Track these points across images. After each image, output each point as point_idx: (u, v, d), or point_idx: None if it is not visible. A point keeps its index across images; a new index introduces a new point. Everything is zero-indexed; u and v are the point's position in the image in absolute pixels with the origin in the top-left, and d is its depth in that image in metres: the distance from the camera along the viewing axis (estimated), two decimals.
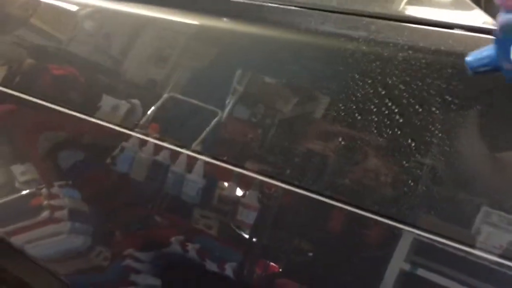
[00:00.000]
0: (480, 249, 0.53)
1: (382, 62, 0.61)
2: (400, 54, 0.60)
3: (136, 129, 0.78)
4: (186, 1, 0.83)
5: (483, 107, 0.56)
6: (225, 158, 0.70)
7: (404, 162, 0.58)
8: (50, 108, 0.87)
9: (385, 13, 0.65)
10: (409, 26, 0.62)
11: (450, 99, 0.57)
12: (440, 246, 0.55)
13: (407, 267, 0.57)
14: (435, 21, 0.61)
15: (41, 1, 0.99)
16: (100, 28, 0.91)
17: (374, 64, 0.61)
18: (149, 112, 0.78)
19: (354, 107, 0.62)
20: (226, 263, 0.69)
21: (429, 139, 0.57)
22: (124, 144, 0.79)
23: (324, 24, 0.68)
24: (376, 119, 0.60)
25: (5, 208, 0.93)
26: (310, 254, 0.64)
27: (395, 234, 0.58)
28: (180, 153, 0.74)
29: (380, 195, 0.59)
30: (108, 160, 0.80)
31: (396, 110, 0.59)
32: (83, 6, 0.93)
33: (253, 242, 0.68)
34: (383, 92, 0.60)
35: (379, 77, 0.61)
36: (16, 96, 0.92)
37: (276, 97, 0.70)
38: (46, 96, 0.89)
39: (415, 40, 0.60)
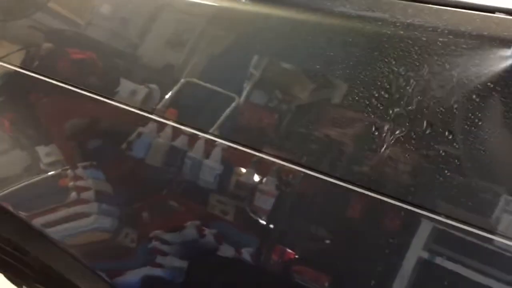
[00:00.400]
0: (501, 235, 0.53)
1: (420, 47, 0.59)
2: (440, 39, 0.58)
3: (154, 113, 0.77)
4: None
5: None
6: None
7: (439, 151, 0.57)
8: (69, 90, 0.87)
9: None
10: (449, 10, 0.61)
11: (491, 85, 0.55)
12: (459, 231, 0.55)
13: (425, 254, 0.57)
14: (476, 4, 0.59)
15: None
16: (117, 12, 0.90)
17: (412, 49, 0.60)
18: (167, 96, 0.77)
19: (388, 93, 0.61)
20: (251, 248, 0.70)
21: (467, 128, 0.56)
22: (143, 127, 0.79)
23: (357, 7, 0.66)
24: (411, 108, 0.59)
25: (28, 190, 0.93)
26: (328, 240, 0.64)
27: (415, 220, 0.57)
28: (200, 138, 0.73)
29: (401, 181, 0.59)
30: (128, 143, 0.80)
31: (432, 98, 0.58)
32: None
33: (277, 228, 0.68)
34: (419, 78, 0.59)
35: (417, 63, 0.59)
36: (37, 78, 0.91)
37: (308, 81, 0.68)
38: (65, 78, 0.88)
39: (455, 24, 0.59)
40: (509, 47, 0.54)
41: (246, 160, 0.70)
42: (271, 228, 0.68)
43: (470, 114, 0.56)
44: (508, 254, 0.53)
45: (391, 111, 0.60)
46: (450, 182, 0.56)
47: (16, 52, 0.97)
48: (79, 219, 0.85)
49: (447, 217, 0.56)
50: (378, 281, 0.60)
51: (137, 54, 0.85)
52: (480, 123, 0.55)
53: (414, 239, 0.58)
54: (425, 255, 0.57)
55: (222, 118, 0.72)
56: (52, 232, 0.87)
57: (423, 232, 0.57)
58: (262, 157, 0.68)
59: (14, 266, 1.08)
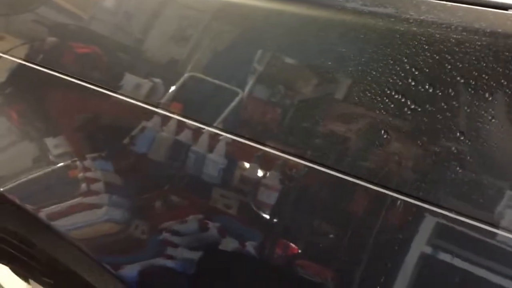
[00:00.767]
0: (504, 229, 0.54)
1: (433, 44, 0.59)
2: (454, 35, 0.58)
3: (159, 107, 0.78)
4: None
5: None
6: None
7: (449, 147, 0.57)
8: (75, 83, 0.87)
9: None
10: (463, 7, 0.60)
11: (505, 83, 0.55)
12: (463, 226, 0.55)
13: (429, 249, 0.58)
14: (490, 1, 0.59)
15: None
16: (121, 6, 0.90)
17: (425, 46, 0.59)
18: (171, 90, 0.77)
19: (398, 89, 0.60)
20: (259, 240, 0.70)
21: (480, 125, 0.56)
22: (148, 121, 0.79)
23: (369, 3, 0.66)
24: (427, 106, 0.59)
25: (35, 183, 0.93)
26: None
27: (419, 214, 0.58)
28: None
29: (406, 175, 0.59)
30: (133, 136, 0.81)
31: (444, 95, 0.58)
32: None
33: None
34: (432, 75, 0.59)
35: (430, 60, 0.59)
36: (43, 72, 0.91)
37: (318, 76, 0.68)
38: (69, 72, 0.88)
39: (469, 21, 0.58)
40: None
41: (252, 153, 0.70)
42: (278, 221, 0.69)
43: (483, 112, 0.56)
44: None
45: (400, 107, 0.60)
46: (458, 177, 0.56)
47: (21, 45, 0.97)
48: (87, 211, 0.85)
49: (455, 212, 0.56)
50: (384, 276, 0.60)
51: (142, 49, 0.85)
52: (492, 120, 0.55)
53: (420, 234, 0.58)
54: (431, 249, 0.58)
55: None
56: (59, 224, 0.87)
57: (429, 227, 0.58)
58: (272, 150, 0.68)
59: (20, 259, 1.08)
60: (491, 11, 0.59)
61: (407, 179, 0.59)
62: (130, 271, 0.80)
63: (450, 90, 0.57)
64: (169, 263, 0.77)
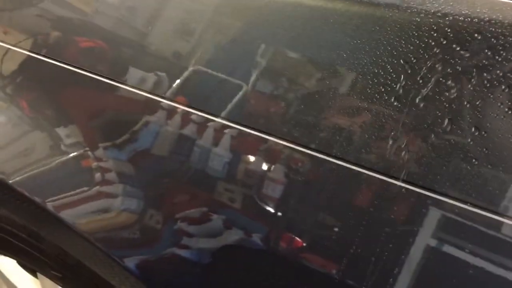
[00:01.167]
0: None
1: (448, 35, 0.59)
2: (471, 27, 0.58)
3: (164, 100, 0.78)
4: None
5: None
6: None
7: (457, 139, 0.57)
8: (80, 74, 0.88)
9: None
10: None
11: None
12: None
13: (434, 242, 0.58)
14: None
15: None
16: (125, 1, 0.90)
17: (441, 38, 0.59)
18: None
19: (409, 81, 0.61)
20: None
21: (496, 116, 0.56)
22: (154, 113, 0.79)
23: None
24: (444, 102, 0.59)
25: (44, 175, 0.93)
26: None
27: (425, 204, 0.58)
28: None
29: (412, 166, 0.59)
30: (138, 129, 0.81)
31: (456, 87, 0.58)
32: None
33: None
34: (443, 68, 0.59)
35: (447, 53, 0.58)
36: (49, 62, 0.91)
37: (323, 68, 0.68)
38: (77, 64, 0.89)
39: (487, 13, 0.58)
40: None
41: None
42: (285, 213, 0.69)
43: (500, 105, 0.56)
44: None
45: (410, 99, 0.60)
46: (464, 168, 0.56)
47: (29, 39, 0.97)
48: (97, 203, 0.85)
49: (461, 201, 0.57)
50: (389, 268, 0.60)
51: (146, 43, 0.85)
52: (506, 113, 0.55)
53: (426, 225, 0.58)
54: (438, 241, 0.58)
55: None
56: (68, 216, 0.88)
57: (433, 217, 0.58)
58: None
59: (28, 253, 1.08)
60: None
61: (414, 169, 0.59)
62: (140, 263, 0.80)
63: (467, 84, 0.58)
64: (181, 255, 0.77)
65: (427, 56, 0.60)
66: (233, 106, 0.73)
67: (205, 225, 0.75)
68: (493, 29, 0.57)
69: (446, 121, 0.58)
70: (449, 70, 0.58)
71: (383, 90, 0.62)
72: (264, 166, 0.70)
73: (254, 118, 0.71)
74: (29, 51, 0.94)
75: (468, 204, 0.56)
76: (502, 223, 0.54)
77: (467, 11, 0.59)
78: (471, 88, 0.57)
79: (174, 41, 0.82)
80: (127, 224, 0.83)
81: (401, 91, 0.61)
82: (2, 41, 0.99)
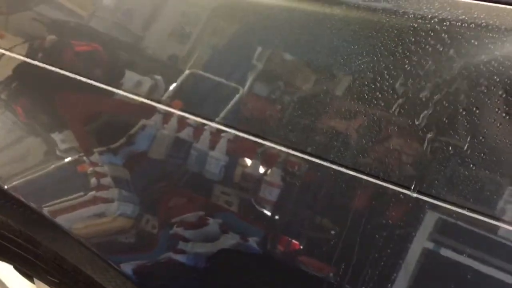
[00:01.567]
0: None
1: (444, 41, 0.59)
2: (468, 33, 0.58)
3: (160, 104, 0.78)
4: None
5: None
6: None
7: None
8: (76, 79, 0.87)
9: None
10: (478, 4, 0.60)
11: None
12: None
13: (430, 245, 0.58)
14: None
15: None
16: (122, 4, 0.90)
17: (437, 44, 0.59)
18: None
19: (401, 85, 0.61)
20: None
21: (481, 119, 0.56)
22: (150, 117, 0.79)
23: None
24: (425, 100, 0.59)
25: (39, 180, 0.93)
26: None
27: (420, 209, 0.58)
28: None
29: (407, 169, 0.59)
30: (134, 133, 0.81)
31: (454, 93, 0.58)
32: None
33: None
34: (443, 75, 0.59)
35: (444, 57, 0.58)
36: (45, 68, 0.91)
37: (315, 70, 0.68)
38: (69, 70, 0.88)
39: (484, 18, 0.58)
40: None
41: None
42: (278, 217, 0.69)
43: (496, 109, 0.55)
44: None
45: (402, 102, 0.60)
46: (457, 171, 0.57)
47: (23, 43, 0.97)
48: (93, 208, 0.85)
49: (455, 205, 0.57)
50: (387, 271, 0.60)
51: (142, 46, 0.85)
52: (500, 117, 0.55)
53: (421, 228, 0.59)
54: (432, 244, 0.58)
55: None
56: (64, 221, 0.87)
57: (430, 221, 0.58)
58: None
59: (24, 258, 1.08)
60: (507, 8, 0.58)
61: (408, 173, 0.59)
62: (136, 268, 0.80)
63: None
64: (177, 259, 0.77)
65: (422, 61, 0.60)
66: (229, 110, 0.73)
67: (202, 229, 0.75)
68: (491, 35, 0.57)
69: (443, 125, 0.58)
70: (443, 75, 0.58)
71: (379, 95, 0.62)
72: (261, 170, 0.70)
73: (249, 122, 0.71)
74: (24, 56, 0.94)
75: (466, 209, 0.56)
76: (498, 227, 0.55)
77: (463, 16, 0.59)
78: (468, 93, 0.57)
79: (170, 44, 0.82)
80: (123, 229, 0.83)
81: (397, 96, 0.61)
82: None
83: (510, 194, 0.54)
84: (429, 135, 0.58)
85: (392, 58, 0.61)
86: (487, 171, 0.55)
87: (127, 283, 0.82)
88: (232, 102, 0.72)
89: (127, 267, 0.80)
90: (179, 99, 0.77)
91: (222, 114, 0.73)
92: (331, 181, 0.64)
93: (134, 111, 0.82)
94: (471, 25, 0.58)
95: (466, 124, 0.56)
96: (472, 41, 0.57)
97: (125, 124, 0.83)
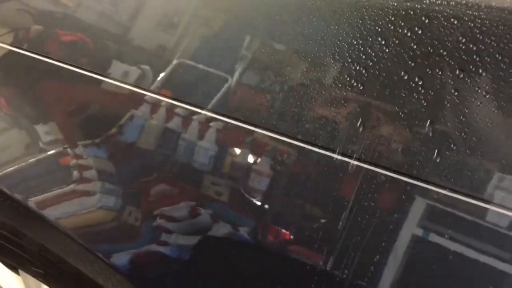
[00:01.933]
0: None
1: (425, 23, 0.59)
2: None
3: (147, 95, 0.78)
4: None
5: None
6: None
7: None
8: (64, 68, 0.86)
9: None
10: None
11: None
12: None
13: (420, 231, 0.59)
14: None
15: None
16: None
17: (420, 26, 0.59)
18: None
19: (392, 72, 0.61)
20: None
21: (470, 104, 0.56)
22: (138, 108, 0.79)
23: None
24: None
25: (24, 171, 0.92)
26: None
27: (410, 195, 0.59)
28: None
29: (398, 154, 0.60)
30: (122, 123, 0.80)
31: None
32: None
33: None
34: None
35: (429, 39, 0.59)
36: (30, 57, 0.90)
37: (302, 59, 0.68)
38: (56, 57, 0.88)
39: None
40: None
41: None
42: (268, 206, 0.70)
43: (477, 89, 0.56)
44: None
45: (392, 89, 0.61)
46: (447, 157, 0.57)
47: (9, 32, 0.96)
48: (80, 199, 0.84)
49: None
50: (379, 257, 0.61)
51: (129, 36, 0.84)
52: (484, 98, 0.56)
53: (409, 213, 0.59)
54: (420, 231, 0.59)
55: None
56: (49, 213, 0.87)
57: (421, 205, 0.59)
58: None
59: (9, 250, 1.07)
60: None
61: (397, 158, 0.60)
62: (123, 259, 0.80)
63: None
64: (163, 250, 0.77)
65: (409, 44, 0.60)
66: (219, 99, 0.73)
67: (192, 220, 0.75)
68: (471, 13, 0.57)
69: (429, 109, 0.58)
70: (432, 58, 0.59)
71: (364, 77, 0.62)
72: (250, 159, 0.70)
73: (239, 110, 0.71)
74: (9, 44, 0.93)
75: (447, 190, 0.57)
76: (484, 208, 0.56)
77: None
78: (454, 74, 0.58)
79: (158, 34, 0.82)
80: (110, 220, 0.82)
81: (382, 78, 0.61)
82: None
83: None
84: (413, 119, 0.59)
85: (379, 39, 0.62)
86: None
87: (116, 276, 0.81)
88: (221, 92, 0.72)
89: (114, 259, 0.80)
90: (167, 89, 0.77)
91: (211, 104, 0.73)
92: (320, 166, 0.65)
93: (121, 102, 0.82)
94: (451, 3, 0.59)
95: (450, 106, 0.57)
96: (452, 20, 0.58)
97: (112, 115, 0.83)
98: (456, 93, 0.57)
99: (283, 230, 0.68)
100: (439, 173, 0.58)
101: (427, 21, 0.59)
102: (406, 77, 0.60)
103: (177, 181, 0.77)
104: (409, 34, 0.60)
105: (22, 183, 0.92)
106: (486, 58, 0.56)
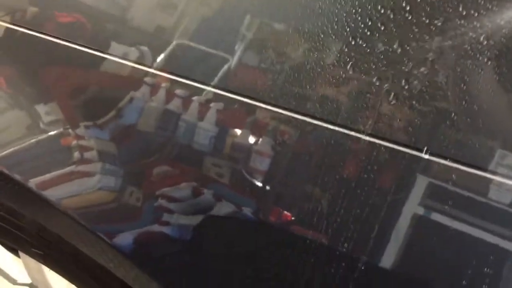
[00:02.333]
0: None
1: None
2: None
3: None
4: None
5: None
6: None
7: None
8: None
9: None
10: None
11: None
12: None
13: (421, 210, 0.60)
14: None
15: None
16: None
17: None
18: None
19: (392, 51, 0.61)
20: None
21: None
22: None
23: None
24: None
25: (25, 152, 0.92)
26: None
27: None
28: None
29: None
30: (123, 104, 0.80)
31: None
32: None
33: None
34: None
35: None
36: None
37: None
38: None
39: None
40: None
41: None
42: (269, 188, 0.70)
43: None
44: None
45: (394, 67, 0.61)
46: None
47: (7, 14, 0.95)
48: (81, 180, 0.84)
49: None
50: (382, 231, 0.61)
51: (128, 17, 0.84)
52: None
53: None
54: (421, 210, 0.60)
55: None
56: (51, 194, 0.87)
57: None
58: None
59: (8, 231, 1.07)
60: None
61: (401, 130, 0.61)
62: (125, 239, 0.80)
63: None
64: (165, 230, 0.77)
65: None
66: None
67: (195, 199, 0.76)
68: None
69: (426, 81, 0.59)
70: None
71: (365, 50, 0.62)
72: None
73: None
74: (9, 22, 0.92)
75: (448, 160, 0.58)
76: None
77: None
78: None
79: (157, 14, 0.81)
80: (113, 200, 0.83)
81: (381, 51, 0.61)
82: None
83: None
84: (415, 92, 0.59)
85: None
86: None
87: (118, 257, 0.82)
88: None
89: (118, 240, 0.81)
90: (167, 70, 0.77)
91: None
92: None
93: (121, 83, 0.82)
94: None
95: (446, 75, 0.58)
96: None
97: (112, 97, 0.83)
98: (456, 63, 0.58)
99: (285, 209, 0.69)
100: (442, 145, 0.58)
101: None
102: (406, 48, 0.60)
103: (179, 161, 0.77)
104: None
105: (22, 163, 0.92)
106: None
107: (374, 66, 0.62)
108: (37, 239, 1.02)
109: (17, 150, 0.92)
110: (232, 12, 0.74)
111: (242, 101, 0.70)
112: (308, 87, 0.66)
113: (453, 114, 0.58)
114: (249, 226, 0.72)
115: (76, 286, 1.05)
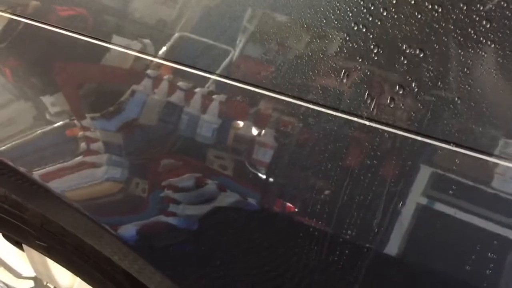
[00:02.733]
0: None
1: None
2: None
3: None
4: None
5: None
6: None
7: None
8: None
9: None
10: None
11: None
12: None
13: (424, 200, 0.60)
14: None
15: None
16: None
17: None
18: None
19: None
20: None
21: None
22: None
23: None
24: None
25: (29, 144, 0.92)
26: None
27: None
28: None
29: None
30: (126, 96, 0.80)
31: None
32: None
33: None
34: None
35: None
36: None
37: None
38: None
39: None
40: None
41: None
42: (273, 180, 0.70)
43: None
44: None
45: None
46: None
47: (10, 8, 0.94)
48: (87, 171, 0.85)
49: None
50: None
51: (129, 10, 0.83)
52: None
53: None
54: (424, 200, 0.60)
55: None
56: (56, 186, 0.87)
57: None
58: None
59: (12, 224, 1.08)
60: None
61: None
62: (131, 230, 0.81)
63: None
64: (171, 221, 0.77)
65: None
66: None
67: (199, 190, 0.76)
68: None
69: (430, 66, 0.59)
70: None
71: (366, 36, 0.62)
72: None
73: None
74: (13, 14, 0.92)
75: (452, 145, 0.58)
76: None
77: None
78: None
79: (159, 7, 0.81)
80: (117, 192, 0.83)
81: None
82: None
83: None
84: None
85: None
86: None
87: (123, 248, 0.82)
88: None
89: (124, 231, 0.81)
90: (169, 62, 0.77)
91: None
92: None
93: (122, 76, 0.82)
94: None
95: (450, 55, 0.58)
96: None
97: (114, 90, 0.83)
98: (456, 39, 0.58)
99: (290, 199, 0.69)
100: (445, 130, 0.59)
101: None
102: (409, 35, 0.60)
103: (184, 152, 0.78)
104: None
105: (27, 156, 0.92)
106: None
107: (377, 52, 0.62)
108: (41, 231, 1.02)
109: (22, 142, 0.92)
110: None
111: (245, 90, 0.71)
112: (311, 73, 0.66)
113: (456, 99, 0.58)
114: (255, 216, 0.72)
115: (81, 279, 1.05)
